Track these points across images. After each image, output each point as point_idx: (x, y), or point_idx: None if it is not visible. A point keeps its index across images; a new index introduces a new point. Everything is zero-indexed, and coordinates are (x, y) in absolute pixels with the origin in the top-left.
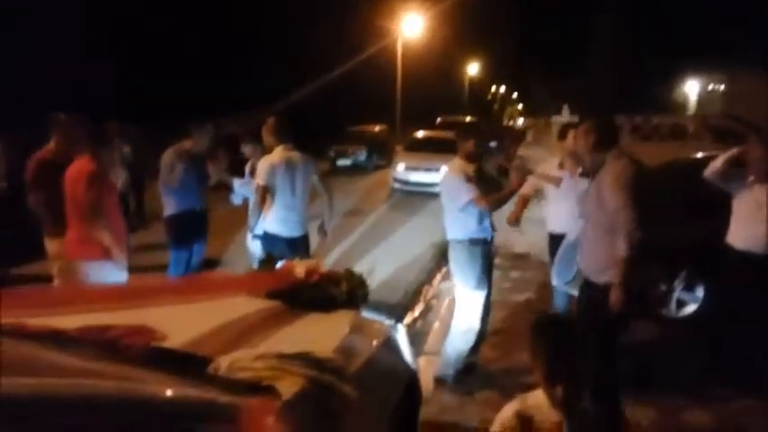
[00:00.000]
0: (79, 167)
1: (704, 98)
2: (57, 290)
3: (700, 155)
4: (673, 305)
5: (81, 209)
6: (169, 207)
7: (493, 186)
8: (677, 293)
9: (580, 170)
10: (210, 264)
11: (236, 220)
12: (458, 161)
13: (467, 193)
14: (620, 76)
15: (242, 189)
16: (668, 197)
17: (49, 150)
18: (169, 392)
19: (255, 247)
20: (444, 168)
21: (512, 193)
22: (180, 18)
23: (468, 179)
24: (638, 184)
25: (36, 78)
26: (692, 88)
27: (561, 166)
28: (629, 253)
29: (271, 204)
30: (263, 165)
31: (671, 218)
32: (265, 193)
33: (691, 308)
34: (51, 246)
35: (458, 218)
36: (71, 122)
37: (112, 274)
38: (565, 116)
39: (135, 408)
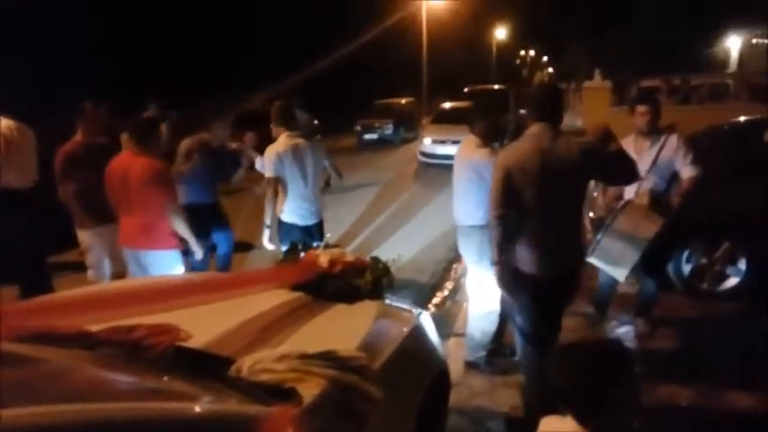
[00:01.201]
0: (146, 166)
1: (747, 54)
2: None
3: (742, 118)
4: (713, 279)
5: (155, 204)
6: (181, 197)
7: None
8: (718, 267)
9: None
10: (245, 247)
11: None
12: (475, 140)
13: None
14: (657, 34)
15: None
16: (708, 165)
17: (77, 142)
18: (187, 409)
19: (267, 242)
20: (465, 149)
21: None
22: (180, 18)
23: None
24: (533, 166)
25: (35, 78)
26: (733, 43)
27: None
28: (492, 234)
29: (284, 195)
30: (269, 155)
31: (712, 187)
32: (276, 185)
33: (732, 282)
34: (82, 236)
35: (483, 202)
36: (97, 113)
37: (178, 262)
38: (597, 81)
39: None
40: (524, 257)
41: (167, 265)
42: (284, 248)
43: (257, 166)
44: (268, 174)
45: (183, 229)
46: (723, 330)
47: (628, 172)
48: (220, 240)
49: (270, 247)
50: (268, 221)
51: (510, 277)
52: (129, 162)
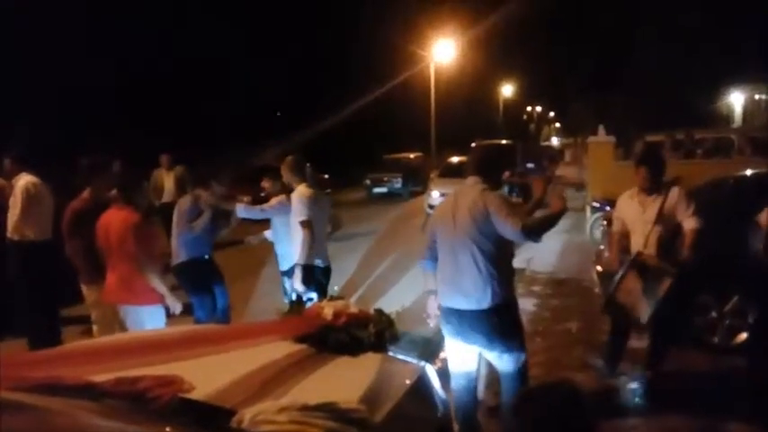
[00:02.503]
0: (124, 219)
1: (750, 110)
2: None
3: (748, 171)
4: (724, 333)
5: (133, 258)
6: (181, 255)
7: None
8: (728, 320)
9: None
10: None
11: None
12: None
13: None
14: (661, 90)
15: (247, 213)
16: (714, 218)
17: (84, 199)
18: None
19: (299, 284)
20: None
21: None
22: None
23: None
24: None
25: (35, 79)
26: (737, 99)
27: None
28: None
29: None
30: (301, 200)
31: (719, 240)
32: (311, 227)
33: (743, 336)
34: (89, 292)
35: None
36: (106, 170)
37: (160, 318)
38: (601, 137)
39: None
40: (440, 289)
41: (146, 321)
42: (309, 292)
43: (267, 234)
44: (303, 217)
45: (157, 282)
46: (734, 386)
47: (521, 237)
48: (219, 294)
49: (300, 288)
50: (302, 262)
51: (434, 305)
52: (111, 216)
